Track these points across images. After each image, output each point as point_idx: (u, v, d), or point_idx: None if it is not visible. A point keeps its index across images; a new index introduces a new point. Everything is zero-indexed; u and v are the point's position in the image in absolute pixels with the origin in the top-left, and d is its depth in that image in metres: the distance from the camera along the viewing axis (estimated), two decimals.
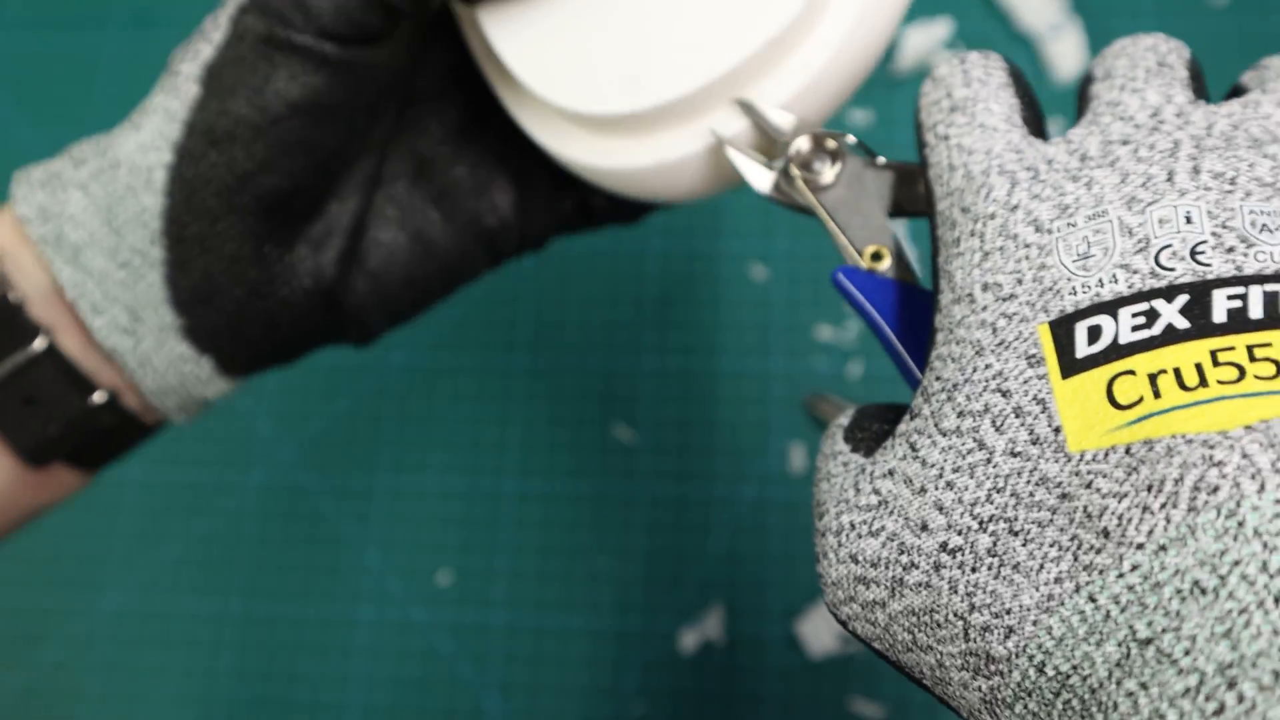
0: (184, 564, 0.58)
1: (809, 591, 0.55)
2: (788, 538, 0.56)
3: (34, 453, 0.32)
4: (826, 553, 0.25)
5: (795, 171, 0.30)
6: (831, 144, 0.30)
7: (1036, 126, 0.27)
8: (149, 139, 0.30)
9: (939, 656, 0.22)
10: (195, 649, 0.57)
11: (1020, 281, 0.23)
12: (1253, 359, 0.20)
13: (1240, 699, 0.17)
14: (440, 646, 0.56)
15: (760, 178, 0.31)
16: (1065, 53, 0.61)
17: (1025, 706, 0.21)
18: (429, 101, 0.35)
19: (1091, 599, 0.20)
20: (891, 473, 0.24)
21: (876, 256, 0.29)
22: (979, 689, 0.22)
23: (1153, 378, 0.21)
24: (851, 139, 0.30)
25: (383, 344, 0.61)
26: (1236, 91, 0.27)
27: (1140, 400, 0.21)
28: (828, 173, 0.30)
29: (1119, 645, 0.19)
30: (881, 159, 0.30)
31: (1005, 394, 0.22)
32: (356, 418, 0.60)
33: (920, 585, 0.22)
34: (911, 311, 0.28)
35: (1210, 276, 0.22)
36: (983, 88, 0.27)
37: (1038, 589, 0.21)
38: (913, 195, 0.30)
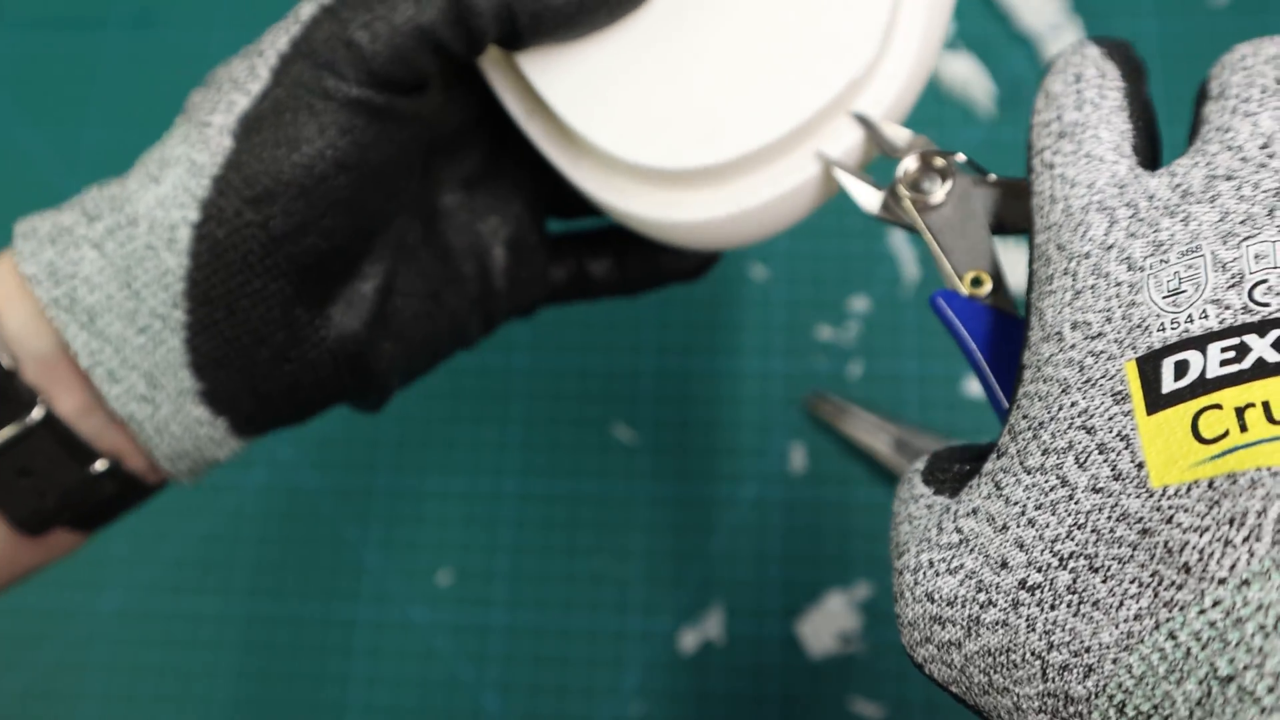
0: (184, 564, 0.58)
1: (809, 591, 0.55)
2: (788, 538, 0.56)
3: (29, 524, 0.30)
4: (903, 591, 0.24)
5: (903, 192, 0.29)
6: (940, 162, 0.29)
7: (1148, 152, 0.27)
8: (170, 193, 0.28)
9: (1015, 699, 0.22)
10: (195, 649, 0.57)
11: (1109, 320, 0.23)
12: None
13: None
14: (440, 646, 0.56)
15: (869, 198, 0.30)
16: None
17: None
18: (445, 152, 0.34)
19: (1172, 636, 0.19)
20: (975, 511, 0.23)
21: (976, 282, 0.28)
22: None
23: (1239, 411, 0.20)
24: (961, 157, 0.29)
25: None
26: None
27: (1225, 434, 0.20)
28: (937, 192, 0.29)
29: (1200, 684, 0.19)
30: (992, 176, 0.29)
31: (1090, 430, 0.22)
32: (356, 418, 0.60)
33: (997, 624, 0.22)
34: (1006, 341, 0.28)
35: None
36: (1095, 111, 0.26)
37: (1117, 626, 0.20)
38: (1021, 211, 0.29)
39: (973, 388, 0.57)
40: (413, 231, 0.33)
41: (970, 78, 0.61)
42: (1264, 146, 0.24)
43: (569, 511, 0.58)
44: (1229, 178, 0.24)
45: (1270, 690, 0.18)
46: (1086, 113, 0.26)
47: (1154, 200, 0.24)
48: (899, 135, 0.30)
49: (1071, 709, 0.21)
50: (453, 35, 0.28)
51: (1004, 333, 0.28)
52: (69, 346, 0.28)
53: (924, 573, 0.24)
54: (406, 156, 0.30)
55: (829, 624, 0.54)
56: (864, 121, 0.31)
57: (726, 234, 0.32)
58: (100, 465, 0.30)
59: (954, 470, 0.26)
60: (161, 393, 0.29)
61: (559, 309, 0.60)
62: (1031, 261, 0.26)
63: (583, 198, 0.33)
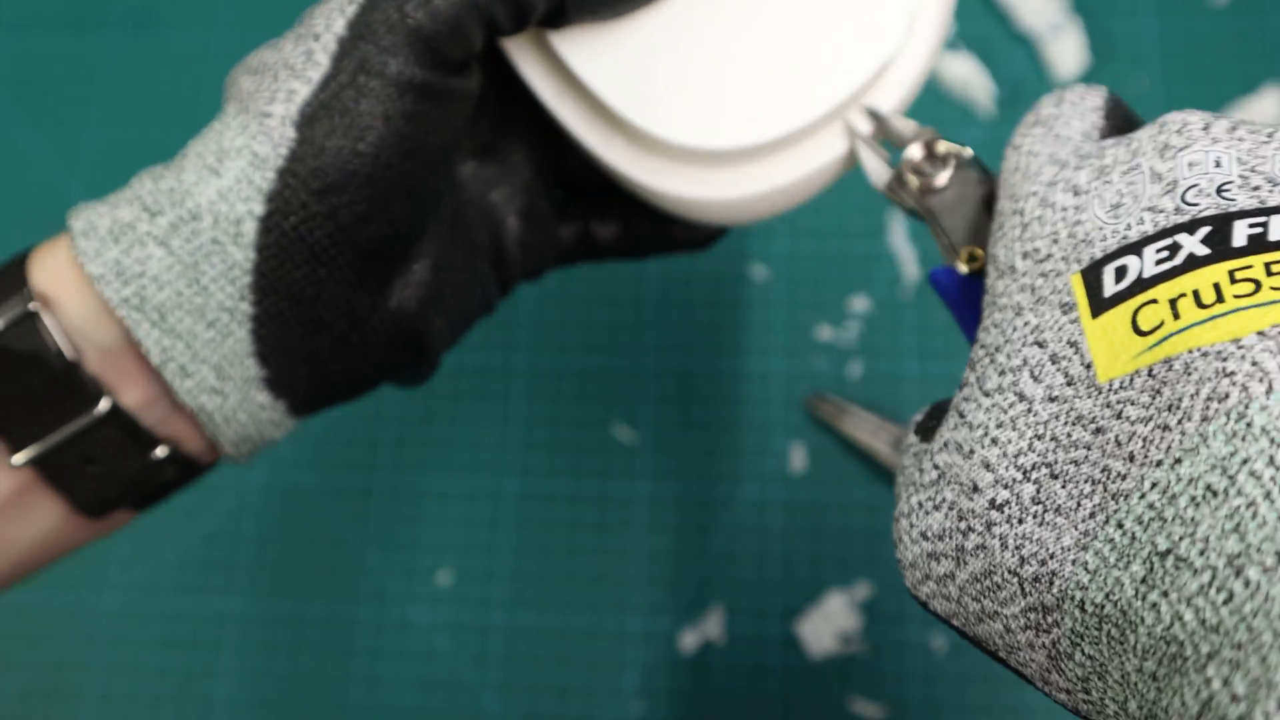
0: (184, 564, 0.58)
1: (809, 591, 0.55)
2: (788, 538, 0.56)
3: (92, 509, 0.30)
4: (901, 537, 0.25)
5: (909, 176, 0.31)
6: (943, 148, 0.31)
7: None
8: (233, 186, 0.27)
9: (1005, 621, 0.22)
10: (195, 649, 0.57)
11: (1056, 241, 0.24)
12: (1269, 273, 0.21)
13: (1246, 584, 0.17)
14: (440, 646, 0.56)
15: (880, 173, 0.32)
16: (1065, 53, 0.61)
17: (1083, 653, 0.21)
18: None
19: (1120, 525, 0.20)
20: (945, 445, 0.24)
21: (972, 259, 0.29)
22: (1043, 646, 0.22)
23: (1173, 302, 0.21)
24: (969, 152, 0.31)
25: None
26: None
27: (1160, 324, 0.21)
28: (941, 177, 0.31)
29: (1144, 563, 0.19)
30: (984, 174, 0.31)
31: (1041, 344, 0.23)
32: (356, 417, 0.60)
33: (978, 549, 0.23)
34: None
35: (1233, 209, 0.22)
36: (1072, 108, 0.28)
37: (1075, 528, 0.21)
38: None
39: None
40: (448, 210, 0.33)
41: (970, 78, 0.61)
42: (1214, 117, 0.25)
43: (569, 511, 0.58)
44: (1180, 128, 0.25)
45: (1201, 554, 0.18)
46: (1063, 108, 0.28)
47: (1103, 145, 0.25)
48: (906, 126, 0.32)
49: (1049, 619, 0.21)
50: (503, 11, 0.28)
51: None
52: (140, 344, 0.28)
53: (915, 515, 0.24)
54: (457, 136, 0.30)
55: (829, 624, 0.54)
56: (874, 115, 0.32)
57: (755, 209, 0.34)
58: (161, 452, 0.30)
59: (933, 423, 0.27)
60: (229, 383, 0.29)
61: (560, 309, 0.60)
62: (994, 230, 0.27)
63: (602, 172, 0.34)
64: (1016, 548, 0.22)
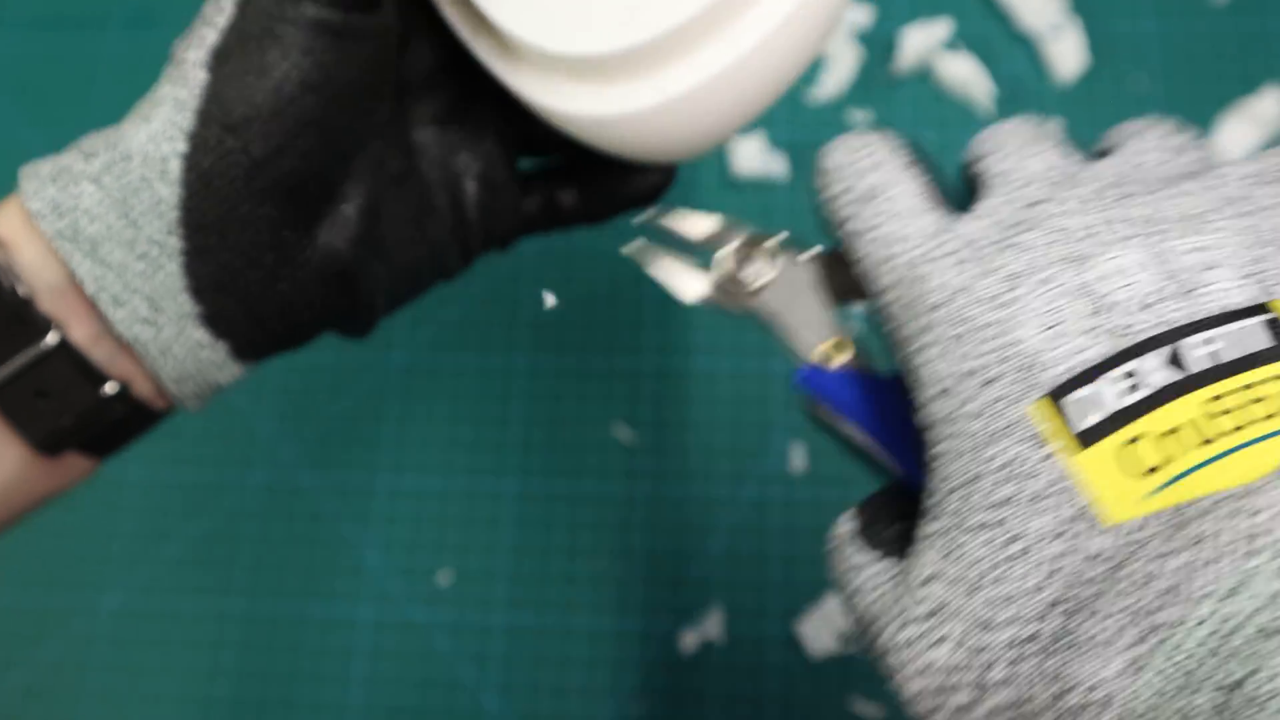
0: (185, 564, 0.59)
1: (809, 591, 0.55)
2: (788, 538, 0.56)
3: (46, 444, 0.32)
4: (898, 669, 0.24)
5: (725, 284, 0.29)
6: (760, 246, 0.29)
7: (946, 203, 0.27)
8: (160, 128, 0.30)
9: None
10: (196, 649, 0.57)
11: (995, 365, 0.23)
12: (1251, 399, 0.22)
13: None
14: (440, 646, 0.56)
15: (690, 288, 0.30)
16: (1065, 53, 0.61)
17: None
18: (417, 91, 0.36)
19: (1176, 649, 0.20)
20: (932, 578, 0.24)
21: (841, 349, 0.28)
22: None
23: (1161, 439, 0.22)
24: (783, 235, 0.29)
25: (383, 344, 0.61)
26: (1102, 154, 0.27)
27: (1160, 466, 0.22)
28: (762, 276, 0.29)
29: (1216, 690, 0.20)
30: (810, 251, 0.29)
31: (1019, 481, 0.23)
32: (357, 418, 0.60)
33: (1004, 682, 0.22)
34: (882, 401, 0.27)
35: (1171, 327, 0.22)
36: (887, 172, 0.26)
37: (1119, 655, 0.21)
38: (846, 282, 0.29)
39: None
40: (393, 162, 0.35)
41: (970, 78, 0.61)
42: (1050, 169, 0.25)
43: (569, 511, 0.58)
44: (1043, 201, 0.24)
45: (1272, 696, 0.19)
46: (880, 175, 0.26)
47: (975, 243, 0.24)
48: (697, 225, 0.30)
49: None
50: None
51: (878, 393, 0.28)
52: (75, 274, 0.30)
53: (912, 648, 0.24)
54: (370, 76, 0.32)
55: (829, 624, 0.54)
56: (659, 223, 0.30)
57: (660, 131, 0.32)
58: (110, 388, 0.31)
59: (889, 532, 0.26)
60: (164, 316, 0.31)
61: (560, 309, 0.60)
62: (884, 323, 0.26)
63: (546, 130, 0.34)
64: (1053, 679, 0.22)
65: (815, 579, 0.55)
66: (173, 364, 0.32)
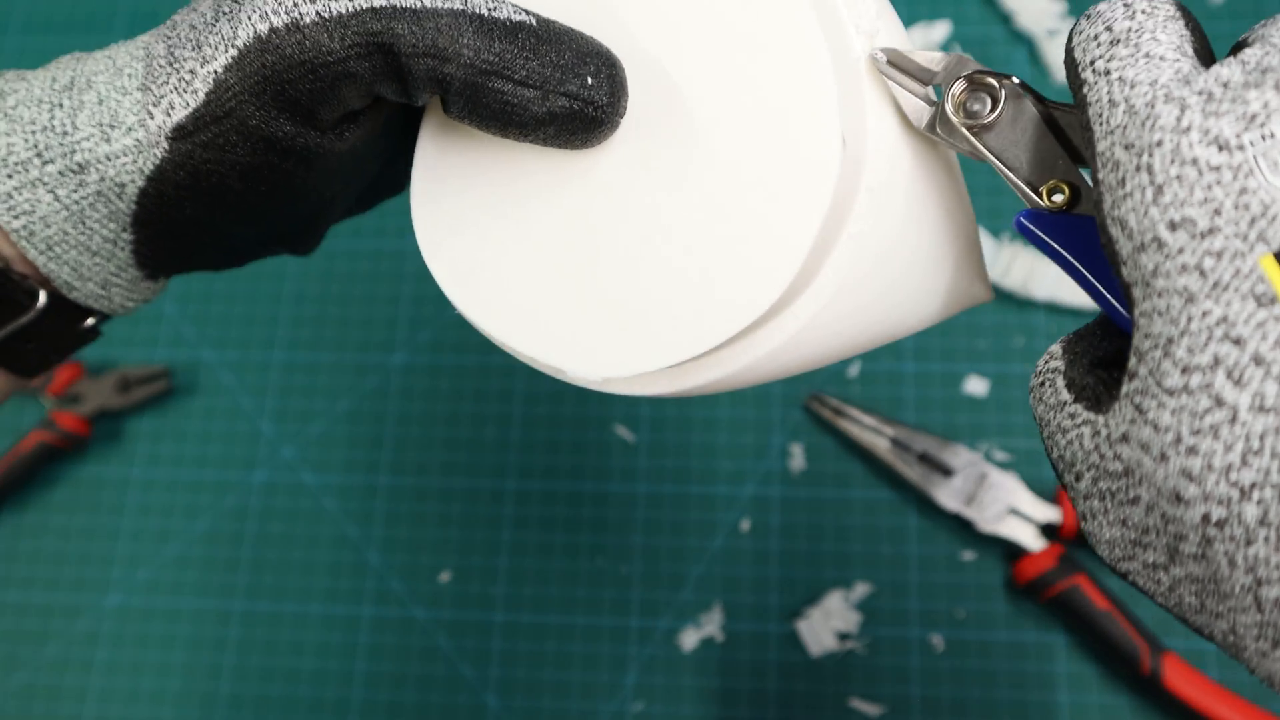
0: (186, 563, 0.59)
1: (809, 590, 0.55)
2: (788, 537, 0.56)
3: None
4: (1094, 515, 0.23)
5: (953, 116, 0.28)
6: (991, 81, 0.27)
7: (1209, 60, 0.25)
8: (119, 156, 0.29)
9: (1231, 624, 0.21)
10: (198, 647, 0.57)
11: (1219, 212, 0.21)
12: None
13: None
14: (441, 644, 0.56)
15: (919, 112, 0.28)
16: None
17: None
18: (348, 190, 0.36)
19: None
20: (1126, 438, 0.22)
21: (1055, 192, 0.26)
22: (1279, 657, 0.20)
23: None
24: (1016, 80, 0.27)
25: (383, 344, 0.61)
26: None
27: None
28: (988, 113, 0.27)
29: None
30: (1049, 100, 0.27)
31: (1238, 343, 0.20)
32: (358, 418, 0.60)
33: (1196, 557, 0.21)
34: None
35: None
36: (1148, 19, 0.24)
37: None
38: (1074, 138, 0.27)
39: (969, 386, 0.57)
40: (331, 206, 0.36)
41: None
42: None
43: (569, 511, 0.58)
44: None
45: None
46: (1140, 20, 0.24)
47: (1229, 85, 0.22)
48: (932, 59, 0.28)
49: None
50: (385, 84, 0.29)
51: (1098, 240, 0.26)
52: (31, 262, 0.31)
53: (1109, 500, 0.23)
54: (330, 181, 0.32)
55: (827, 622, 0.54)
56: (891, 59, 0.28)
57: (708, 390, 0.31)
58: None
59: (1091, 381, 0.25)
60: (115, 289, 0.33)
61: None
62: (1098, 175, 0.23)
63: None
64: (1250, 569, 0.20)
65: (814, 577, 0.55)
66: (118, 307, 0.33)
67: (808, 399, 0.58)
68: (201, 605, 0.58)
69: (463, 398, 0.60)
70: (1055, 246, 0.26)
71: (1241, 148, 0.21)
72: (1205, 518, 0.20)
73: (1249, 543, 0.20)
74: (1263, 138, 0.21)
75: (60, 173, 0.30)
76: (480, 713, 0.55)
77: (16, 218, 0.30)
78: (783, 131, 0.28)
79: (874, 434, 0.56)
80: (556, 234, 0.30)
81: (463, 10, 0.28)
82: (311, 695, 0.56)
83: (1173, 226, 0.21)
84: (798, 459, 0.57)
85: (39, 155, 0.30)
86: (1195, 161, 0.21)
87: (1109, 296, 0.25)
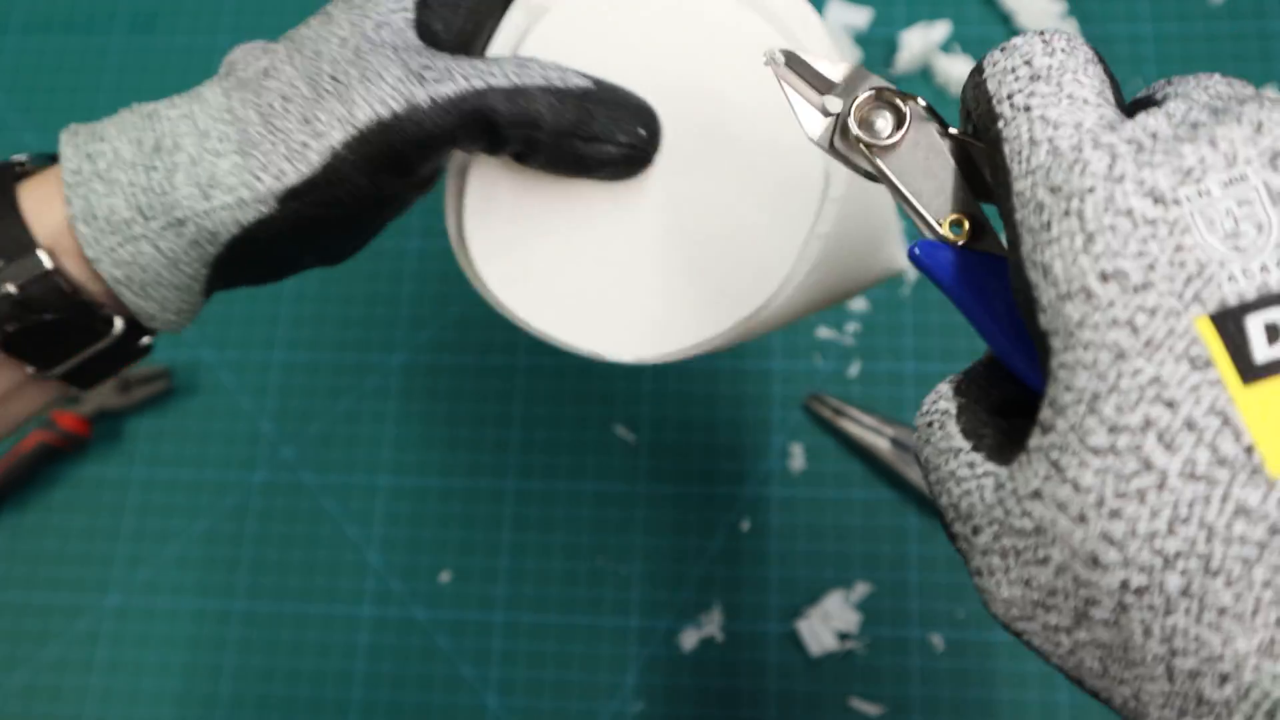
0: (187, 563, 0.59)
1: (808, 590, 0.55)
2: (788, 537, 0.56)
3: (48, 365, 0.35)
4: (993, 571, 0.22)
5: (854, 129, 0.26)
6: (896, 101, 0.26)
7: (1129, 113, 0.24)
8: (218, 212, 0.33)
9: (1135, 690, 0.21)
10: (198, 647, 0.57)
11: (1153, 267, 0.20)
12: None
13: None
14: (441, 645, 0.56)
15: (813, 123, 0.27)
16: None
17: None
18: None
19: None
20: (1038, 494, 0.21)
21: (957, 226, 0.25)
22: None
23: None
24: (922, 102, 0.26)
25: (383, 344, 0.61)
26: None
27: None
28: (889, 135, 0.26)
29: None
30: (953, 129, 0.26)
31: (1170, 405, 0.19)
32: (358, 418, 0.60)
33: (1108, 623, 0.20)
34: (1004, 288, 0.25)
35: None
36: (1069, 58, 0.23)
37: (1256, 634, 0.19)
38: (980, 175, 0.26)
39: None
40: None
41: None
42: (1229, 90, 0.22)
43: (569, 511, 0.58)
44: (1240, 101, 0.21)
45: None
46: (1060, 58, 0.23)
47: (1158, 136, 0.21)
48: (836, 70, 0.27)
49: (1205, 709, 0.19)
50: (477, 145, 0.34)
51: (1001, 280, 0.25)
52: (123, 302, 0.34)
53: (1012, 559, 0.22)
54: (396, 213, 0.37)
55: (827, 622, 0.54)
56: (792, 58, 0.28)
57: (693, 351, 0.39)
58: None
59: (990, 431, 0.24)
60: (184, 314, 0.36)
61: None
62: (1014, 214, 0.22)
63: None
64: (1165, 639, 0.19)
65: (814, 577, 0.55)
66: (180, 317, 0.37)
67: (808, 399, 0.58)
68: (201, 605, 0.58)
69: (463, 398, 0.60)
70: (950, 282, 0.25)
71: (1178, 202, 0.20)
72: (1124, 584, 0.20)
73: (1168, 613, 0.19)
74: (1199, 194, 0.20)
75: (162, 228, 0.33)
76: (480, 713, 0.55)
77: (118, 268, 0.33)
78: (781, 167, 0.36)
79: (874, 434, 0.56)
80: (596, 245, 0.37)
81: (545, 85, 0.33)
82: (311, 695, 0.56)
83: (1104, 278, 0.20)
84: (798, 459, 0.57)
85: (141, 213, 0.33)
86: (1130, 212, 0.20)
87: (1005, 341, 0.24)
